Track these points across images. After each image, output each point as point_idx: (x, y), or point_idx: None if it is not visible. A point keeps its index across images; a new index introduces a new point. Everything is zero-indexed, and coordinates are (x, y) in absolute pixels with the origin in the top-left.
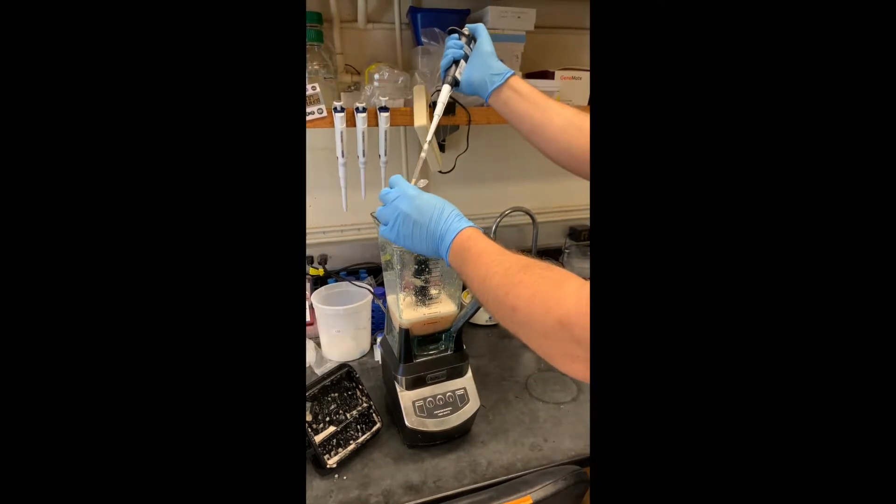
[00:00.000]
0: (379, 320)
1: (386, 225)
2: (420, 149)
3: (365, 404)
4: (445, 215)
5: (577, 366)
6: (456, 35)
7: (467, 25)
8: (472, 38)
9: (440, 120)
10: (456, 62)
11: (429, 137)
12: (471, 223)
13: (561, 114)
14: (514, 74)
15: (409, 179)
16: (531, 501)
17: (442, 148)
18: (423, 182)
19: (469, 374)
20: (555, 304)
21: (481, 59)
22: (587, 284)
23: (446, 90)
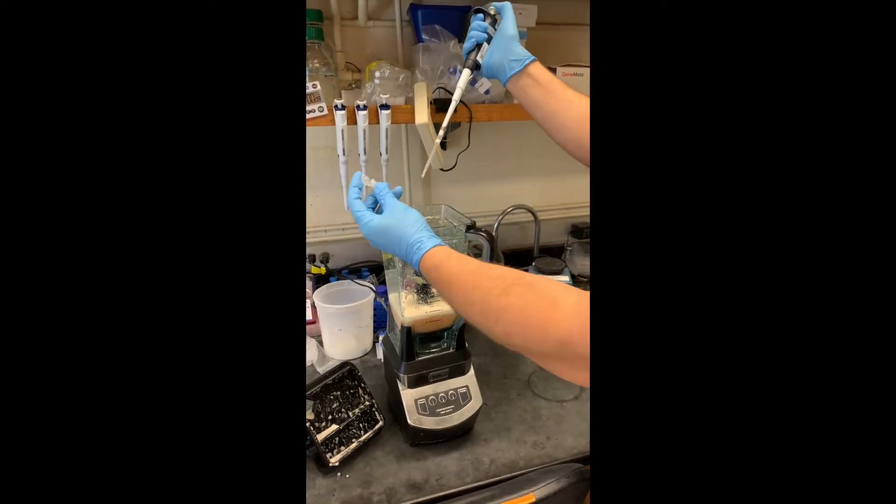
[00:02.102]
0: (381, 318)
1: None
2: (428, 143)
3: (367, 402)
4: (406, 242)
5: (584, 374)
6: (481, 15)
7: (493, 4)
8: (496, 20)
9: (441, 115)
10: (479, 45)
11: (445, 123)
12: (434, 242)
13: (576, 104)
14: (534, 61)
15: (405, 180)
16: (534, 499)
17: (443, 146)
18: (372, 182)
19: (471, 371)
20: (551, 325)
21: (503, 42)
22: (585, 297)
23: (466, 74)
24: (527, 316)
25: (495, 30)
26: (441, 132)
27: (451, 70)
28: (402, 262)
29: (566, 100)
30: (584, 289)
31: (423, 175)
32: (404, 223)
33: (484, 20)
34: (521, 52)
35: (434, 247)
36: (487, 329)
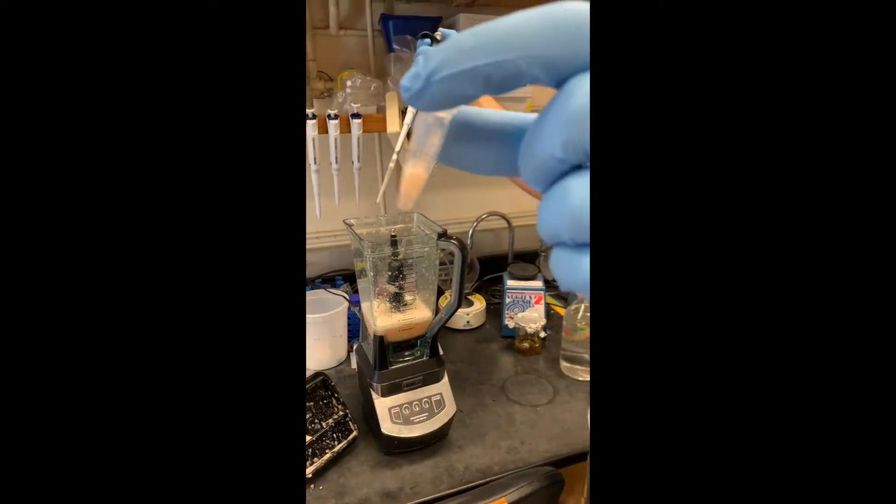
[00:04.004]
0: (356, 327)
1: None
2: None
3: (341, 412)
4: None
5: None
6: (428, 41)
7: (441, 30)
8: None
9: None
10: None
11: (397, 148)
12: None
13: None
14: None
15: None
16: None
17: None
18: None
19: (445, 379)
20: None
21: None
22: None
23: (411, 110)
24: None
25: None
26: (394, 156)
27: None
28: (374, 272)
29: None
30: (557, 293)
31: (377, 200)
32: None
33: (431, 45)
34: None
35: None
36: None
